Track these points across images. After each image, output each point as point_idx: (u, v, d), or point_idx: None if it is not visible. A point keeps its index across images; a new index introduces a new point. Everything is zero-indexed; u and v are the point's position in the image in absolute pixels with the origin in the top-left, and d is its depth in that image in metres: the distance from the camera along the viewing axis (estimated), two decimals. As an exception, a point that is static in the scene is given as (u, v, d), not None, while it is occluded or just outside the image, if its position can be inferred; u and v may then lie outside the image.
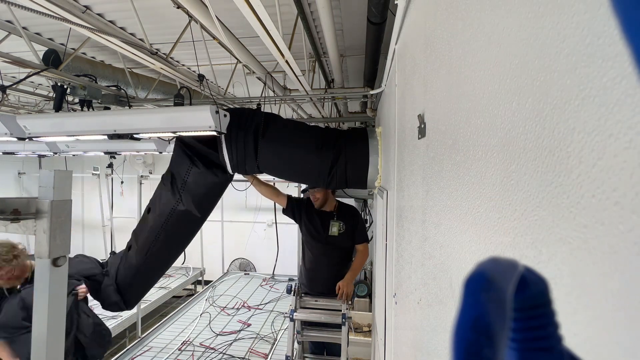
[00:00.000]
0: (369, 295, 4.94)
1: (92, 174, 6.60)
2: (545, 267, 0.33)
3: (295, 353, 2.88)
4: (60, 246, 1.29)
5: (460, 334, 0.17)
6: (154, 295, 5.47)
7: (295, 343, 2.89)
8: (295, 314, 2.80)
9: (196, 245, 7.22)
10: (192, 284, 6.88)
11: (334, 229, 2.99)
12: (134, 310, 4.80)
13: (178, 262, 7.68)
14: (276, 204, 3.28)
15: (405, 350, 1.17)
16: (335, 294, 2.90)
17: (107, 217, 7.47)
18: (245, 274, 6.47)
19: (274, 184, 4.51)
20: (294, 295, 2.85)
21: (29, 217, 1.28)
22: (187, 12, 2.17)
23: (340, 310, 2.77)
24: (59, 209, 1.30)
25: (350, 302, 2.86)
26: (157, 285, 6.17)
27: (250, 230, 7.26)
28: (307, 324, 2.96)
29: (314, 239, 3.05)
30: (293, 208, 3.13)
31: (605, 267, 0.25)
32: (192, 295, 6.74)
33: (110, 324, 4.46)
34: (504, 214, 0.42)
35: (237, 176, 2.96)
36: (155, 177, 6.38)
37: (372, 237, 5.01)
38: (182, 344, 3.81)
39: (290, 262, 6.39)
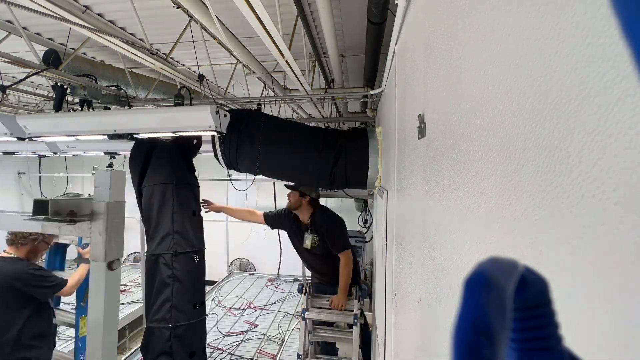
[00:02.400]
0: (369, 295, 4.93)
1: (92, 174, 6.59)
2: (545, 267, 0.33)
3: (308, 353, 2.91)
4: (114, 249, 1.26)
5: (460, 333, 0.17)
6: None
7: (307, 342, 2.91)
8: (307, 313, 2.81)
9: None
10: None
11: (307, 242, 2.98)
12: (139, 304, 4.80)
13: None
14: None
15: (405, 350, 1.17)
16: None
17: (107, 217, 7.47)
18: (250, 274, 6.46)
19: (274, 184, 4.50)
20: (305, 294, 2.87)
21: (84, 219, 1.25)
22: (187, 12, 2.16)
23: (352, 311, 2.78)
24: (114, 210, 1.26)
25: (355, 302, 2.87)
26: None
27: (250, 230, 7.26)
28: (317, 324, 2.98)
29: (297, 248, 3.12)
30: (274, 222, 3.19)
31: (606, 267, 0.25)
32: (193, 295, 6.72)
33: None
34: (504, 214, 0.42)
35: (237, 175, 2.95)
36: (155, 177, 6.39)
37: (372, 237, 5.00)
38: (190, 344, 3.81)
39: (292, 262, 6.38)
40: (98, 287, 1.24)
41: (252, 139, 2.44)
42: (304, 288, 2.90)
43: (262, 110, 2.68)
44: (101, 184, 1.26)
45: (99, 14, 2.49)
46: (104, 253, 1.22)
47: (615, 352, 0.24)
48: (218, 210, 3.14)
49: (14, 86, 3.03)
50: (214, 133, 2.24)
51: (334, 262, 2.99)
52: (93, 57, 3.38)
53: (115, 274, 1.28)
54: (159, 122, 2.31)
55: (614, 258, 0.24)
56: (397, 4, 1.21)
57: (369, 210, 5.05)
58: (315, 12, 2.18)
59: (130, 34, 2.80)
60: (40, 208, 1.31)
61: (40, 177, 5.83)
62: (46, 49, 2.65)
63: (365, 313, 2.96)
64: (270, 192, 5.12)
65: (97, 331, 1.23)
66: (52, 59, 2.49)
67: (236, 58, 2.55)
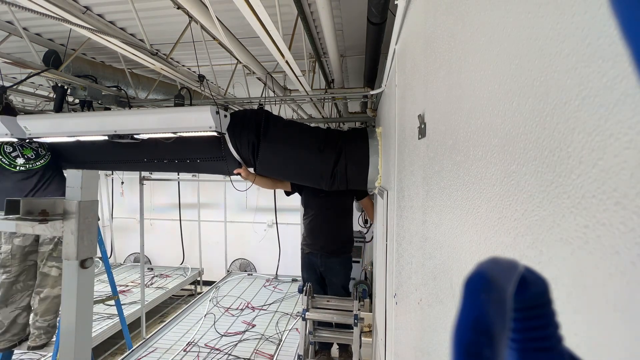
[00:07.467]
0: (369, 295, 4.93)
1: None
2: (545, 267, 0.33)
3: (308, 353, 2.91)
4: (87, 247, 1.27)
5: (460, 334, 0.17)
6: (151, 295, 5.48)
7: (307, 343, 2.92)
8: (307, 313, 2.82)
9: (195, 245, 7.21)
10: (191, 284, 6.88)
11: None
12: (138, 305, 4.80)
13: (177, 262, 7.59)
14: (278, 190, 3.33)
15: (405, 351, 1.17)
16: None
17: (107, 217, 7.48)
18: (248, 274, 6.47)
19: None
20: (305, 295, 2.87)
21: (56, 218, 1.26)
22: (187, 13, 2.17)
23: (352, 311, 2.78)
24: (86, 209, 1.27)
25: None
26: (154, 285, 6.15)
27: (251, 230, 7.27)
28: (317, 324, 2.99)
29: (315, 195, 3.11)
30: (296, 185, 3.18)
31: (606, 268, 0.25)
32: (192, 295, 6.72)
33: (106, 323, 4.45)
34: (504, 214, 0.42)
35: (237, 176, 2.94)
36: (156, 178, 6.42)
37: (372, 238, 4.99)
38: (187, 344, 3.81)
39: (292, 262, 6.37)
40: (70, 286, 1.25)
41: (256, 136, 2.46)
42: (305, 288, 2.90)
43: (264, 110, 2.68)
44: (73, 183, 1.28)
45: (99, 15, 2.49)
46: (77, 251, 1.23)
47: (615, 353, 0.24)
48: (246, 177, 2.98)
49: (14, 87, 3.03)
50: (214, 133, 2.24)
51: (344, 218, 3.21)
52: (93, 58, 3.39)
53: (88, 273, 1.28)
54: (159, 123, 2.31)
55: (614, 258, 0.24)
56: (397, 4, 1.21)
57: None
58: (315, 13, 2.19)
59: (131, 34, 2.80)
60: (12, 207, 1.32)
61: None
62: (46, 49, 2.65)
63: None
64: (270, 193, 5.12)
65: (70, 333, 1.23)
66: (53, 60, 2.49)
67: (236, 58, 2.55)
